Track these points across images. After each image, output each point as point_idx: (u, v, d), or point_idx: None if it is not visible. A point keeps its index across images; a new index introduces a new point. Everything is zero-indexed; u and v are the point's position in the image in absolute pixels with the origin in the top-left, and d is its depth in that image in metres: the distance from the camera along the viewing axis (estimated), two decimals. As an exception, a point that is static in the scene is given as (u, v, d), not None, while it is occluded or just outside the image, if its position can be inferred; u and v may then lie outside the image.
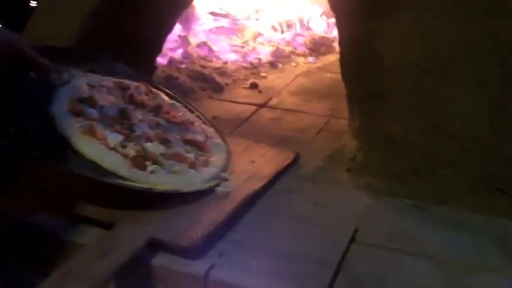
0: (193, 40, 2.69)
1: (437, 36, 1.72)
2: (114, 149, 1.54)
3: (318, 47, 2.95)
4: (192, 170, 1.60)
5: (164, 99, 1.85)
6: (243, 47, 2.78)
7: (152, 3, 2.18)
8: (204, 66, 2.53)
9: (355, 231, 1.53)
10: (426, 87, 1.73)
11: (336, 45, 3.00)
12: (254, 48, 2.75)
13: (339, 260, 1.42)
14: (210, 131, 1.83)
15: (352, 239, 1.51)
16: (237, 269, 1.40)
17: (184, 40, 2.60)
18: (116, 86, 1.78)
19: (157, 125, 1.72)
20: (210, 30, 2.79)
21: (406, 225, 1.57)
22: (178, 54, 2.56)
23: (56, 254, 1.51)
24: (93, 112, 1.64)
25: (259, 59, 2.68)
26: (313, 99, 2.38)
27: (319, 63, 2.83)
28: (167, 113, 1.79)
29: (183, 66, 2.48)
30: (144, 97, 1.79)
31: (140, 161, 1.53)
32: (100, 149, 1.53)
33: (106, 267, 1.31)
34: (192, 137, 1.73)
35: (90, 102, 1.66)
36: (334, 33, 3.11)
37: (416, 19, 1.75)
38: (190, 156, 1.65)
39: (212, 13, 2.90)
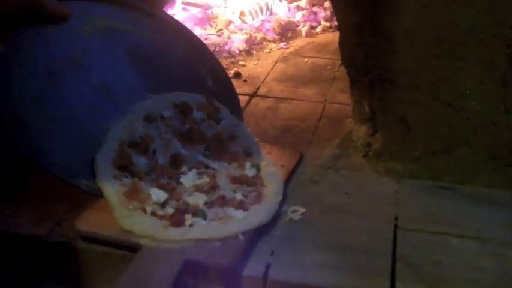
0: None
1: (446, 19, 1.74)
2: (153, 213, 1.44)
3: (285, 32, 2.93)
4: (240, 211, 1.48)
5: (228, 119, 1.76)
6: (218, 36, 2.72)
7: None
8: (186, 58, 2.44)
9: (396, 218, 1.54)
10: (437, 70, 1.74)
11: (301, 29, 3.00)
12: (229, 37, 2.69)
13: (392, 249, 1.42)
14: (266, 157, 1.72)
15: (395, 226, 1.51)
16: (293, 266, 1.39)
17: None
18: (177, 113, 1.69)
19: (207, 167, 1.62)
20: (184, 20, 2.70)
21: (440, 207, 1.60)
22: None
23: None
24: (142, 163, 1.55)
25: (237, 48, 2.62)
26: (301, 86, 2.37)
27: (291, 48, 2.81)
28: (223, 143, 1.70)
29: (165, 59, 2.38)
30: (205, 124, 1.70)
31: (178, 217, 1.44)
32: (137, 218, 1.43)
33: None
34: (240, 174, 1.62)
35: (142, 147, 1.58)
36: (297, 17, 3.11)
37: (424, 3, 1.76)
38: (238, 196, 1.53)
39: (184, 2, 2.81)
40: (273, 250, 1.42)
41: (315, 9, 3.16)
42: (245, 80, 2.42)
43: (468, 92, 1.70)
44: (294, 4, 3.16)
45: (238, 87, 2.31)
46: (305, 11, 3.11)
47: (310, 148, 1.87)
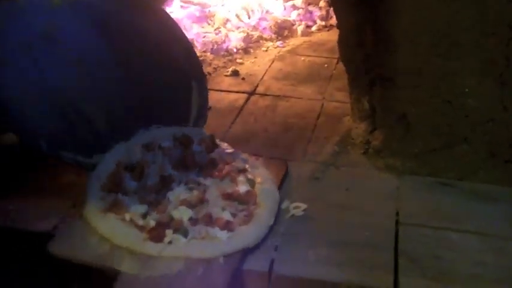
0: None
1: (445, 19, 1.76)
2: (130, 221, 1.46)
3: (281, 30, 2.94)
4: (225, 232, 1.45)
5: (223, 150, 1.76)
6: (216, 34, 2.73)
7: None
8: (184, 56, 2.45)
9: (397, 213, 1.55)
10: (437, 69, 1.76)
11: (297, 28, 3.01)
12: (227, 35, 2.70)
13: (394, 244, 1.44)
14: (263, 174, 1.69)
15: (397, 222, 1.53)
16: (298, 261, 1.40)
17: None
18: (177, 145, 1.72)
19: (199, 184, 1.61)
20: (182, 18, 2.70)
21: (440, 203, 1.62)
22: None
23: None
24: (132, 185, 1.58)
25: (235, 46, 2.63)
26: (298, 84, 2.39)
27: (288, 47, 2.82)
28: (216, 166, 1.69)
29: (164, 56, 2.39)
30: (202, 155, 1.71)
31: (158, 231, 1.43)
32: (115, 225, 1.45)
33: None
34: (232, 190, 1.60)
35: (137, 171, 1.61)
36: (293, 16, 3.12)
37: (424, 3, 1.78)
38: (226, 215, 1.50)
39: (183, 0, 2.82)
40: (277, 245, 1.43)
41: (310, 8, 3.17)
42: (243, 78, 2.43)
43: (467, 90, 1.72)
44: (290, 3, 3.17)
45: (237, 85, 2.34)
46: (301, 10, 3.13)
47: (310, 145, 1.89)
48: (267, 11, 3.06)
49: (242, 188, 1.59)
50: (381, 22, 1.79)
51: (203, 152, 1.72)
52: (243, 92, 2.30)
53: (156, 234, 1.42)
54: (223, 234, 1.43)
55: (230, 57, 2.60)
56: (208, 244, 1.41)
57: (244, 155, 1.74)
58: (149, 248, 1.39)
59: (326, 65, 2.56)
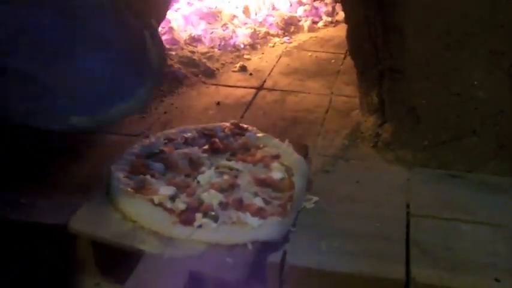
0: (175, 25, 2.61)
1: (455, 10, 1.77)
2: (160, 205, 1.45)
3: (288, 26, 2.95)
4: (255, 219, 1.43)
5: (253, 134, 1.77)
6: (223, 30, 2.74)
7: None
8: (192, 52, 2.48)
9: (408, 205, 1.56)
10: (446, 61, 1.77)
11: (303, 24, 3.02)
12: (234, 31, 2.71)
13: (406, 235, 1.45)
14: (298, 160, 1.68)
15: (408, 213, 1.54)
16: (310, 252, 1.40)
17: (168, 25, 2.54)
18: (200, 135, 1.73)
19: (230, 169, 1.61)
20: (189, 14, 2.72)
21: (450, 194, 1.63)
22: (164, 40, 2.47)
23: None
24: (158, 167, 1.59)
25: (242, 42, 2.65)
26: (306, 79, 2.39)
27: (294, 43, 2.83)
28: (249, 151, 1.69)
29: (173, 53, 2.41)
30: (230, 139, 1.72)
31: (188, 215, 1.42)
32: (142, 207, 1.44)
33: None
34: (265, 176, 1.59)
35: (160, 156, 1.62)
36: (299, 12, 3.13)
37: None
38: (258, 201, 1.49)
39: (190, -4, 2.84)
40: (289, 237, 1.43)
41: (316, 4, 3.18)
42: (251, 74, 2.45)
43: (476, 82, 1.72)
44: (296, -1, 3.18)
45: (244, 80, 2.35)
46: (307, 6, 3.13)
47: (320, 139, 1.90)
48: (273, 7, 3.06)
49: (276, 175, 1.58)
50: (389, 14, 1.80)
51: (230, 136, 1.72)
52: (251, 87, 2.31)
53: (186, 218, 1.40)
54: (254, 221, 1.41)
55: (237, 53, 2.61)
56: (238, 230, 1.40)
57: (276, 140, 1.74)
58: (178, 232, 1.38)
59: (333, 60, 2.57)
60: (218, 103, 2.13)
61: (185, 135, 1.72)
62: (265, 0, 3.02)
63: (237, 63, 2.51)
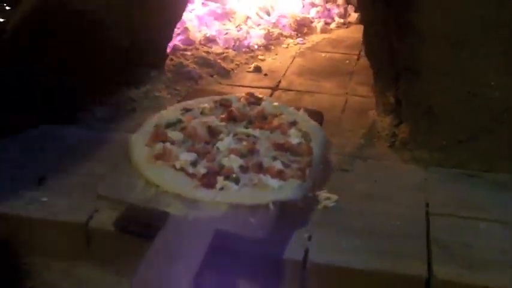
0: (190, 25, 2.64)
1: (472, 10, 1.78)
2: (181, 169, 1.49)
3: (301, 27, 2.98)
4: (275, 180, 1.48)
5: (269, 103, 1.80)
6: (237, 31, 2.76)
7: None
8: (208, 52, 2.50)
9: (427, 204, 1.58)
10: (462, 60, 1.78)
11: (316, 25, 3.04)
12: (248, 32, 2.74)
13: (426, 233, 1.47)
14: (314, 126, 1.73)
15: (427, 212, 1.55)
16: (331, 250, 1.42)
17: (183, 26, 2.56)
18: (217, 105, 1.77)
19: (248, 136, 1.64)
20: (203, 15, 2.74)
21: (467, 193, 1.65)
22: (179, 41, 2.51)
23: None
24: (176, 135, 1.62)
25: (256, 43, 2.67)
26: (320, 79, 2.42)
27: (308, 44, 2.86)
28: (266, 119, 1.73)
29: (188, 53, 2.44)
30: (246, 109, 1.75)
31: (210, 178, 1.46)
32: (164, 172, 1.49)
33: (184, 274, 1.25)
34: (283, 141, 1.62)
35: (178, 125, 1.65)
36: (312, 13, 3.15)
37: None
38: (277, 164, 1.53)
39: (204, -3, 2.87)
40: (310, 235, 1.45)
41: (328, 5, 3.20)
42: (265, 74, 2.47)
43: (493, 83, 1.74)
44: (308, 0, 3.20)
45: (259, 80, 2.38)
46: (319, 7, 3.15)
47: (337, 138, 1.91)
48: (287, 9, 3.08)
49: (294, 140, 1.61)
50: (405, 15, 1.81)
51: (246, 106, 1.75)
52: (266, 88, 2.33)
53: (208, 181, 1.44)
54: (274, 183, 1.46)
55: (252, 54, 2.63)
56: (259, 191, 1.44)
57: (291, 108, 1.78)
58: (201, 194, 1.42)
59: (347, 61, 2.59)
60: (234, 103, 2.14)
61: (202, 106, 1.75)
62: (278, 1, 3.03)
63: (252, 63, 2.54)
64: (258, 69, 2.48)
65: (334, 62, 2.61)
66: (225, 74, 2.42)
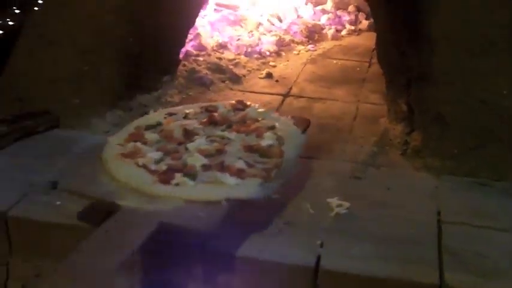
0: (202, 31, 2.65)
1: (484, 18, 1.79)
2: (144, 166, 1.51)
3: (312, 34, 2.98)
4: (233, 178, 1.48)
5: (253, 109, 1.80)
6: (249, 37, 2.77)
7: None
8: (220, 58, 2.51)
9: (439, 212, 1.58)
10: (474, 68, 1.79)
11: (327, 32, 3.04)
12: (259, 38, 2.75)
13: (438, 241, 1.46)
14: (292, 131, 1.72)
15: (439, 220, 1.55)
16: (343, 257, 1.42)
17: (195, 31, 2.58)
18: (203, 111, 1.78)
19: (223, 138, 1.65)
20: (215, 21, 2.76)
21: (480, 202, 1.64)
22: (191, 46, 2.52)
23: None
24: (152, 136, 1.64)
25: (267, 49, 2.68)
26: (331, 86, 2.42)
27: (319, 51, 2.87)
28: (245, 123, 1.73)
29: (200, 59, 2.45)
30: (230, 114, 1.76)
31: (168, 175, 1.48)
32: (127, 168, 1.52)
33: (114, 260, 1.25)
34: (254, 143, 1.62)
35: (158, 128, 1.68)
36: (323, 20, 3.15)
37: (463, 2, 1.81)
38: (239, 163, 1.53)
39: (217, 4, 2.87)
40: (322, 242, 1.45)
41: (339, 12, 3.21)
42: (277, 81, 2.48)
43: (505, 92, 1.74)
44: (320, 7, 3.21)
45: (270, 87, 2.38)
46: (330, 14, 3.16)
47: (349, 146, 1.92)
48: (298, 16, 3.09)
49: (266, 142, 1.61)
50: (419, 22, 1.82)
51: (231, 111, 1.76)
52: (278, 94, 2.34)
53: (165, 177, 1.46)
54: (231, 180, 1.46)
55: (263, 60, 2.64)
56: (214, 188, 1.45)
57: (275, 114, 1.79)
58: (157, 189, 1.44)
59: (358, 68, 2.60)
60: (246, 109, 2.15)
61: (187, 111, 1.76)
62: (291, 8, 3.04)
63: (263, 70, 2.55)
64: (269, 76, 2.49)
65: (345, 69, 2.61)
66: (237, 80, 2.43)
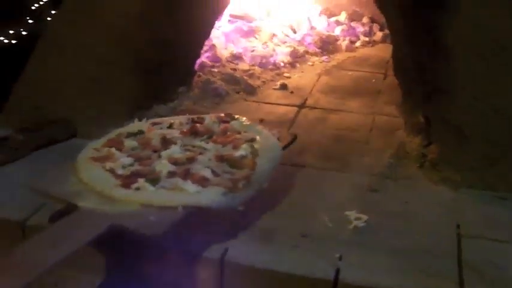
0: (217, 42, 2.66)
1: (503, 27, 1.78)
2: (111, 171, 1.51)
3: (326, 45, 2.98)
4: (195, 186, 1.44)
5: (238, 122, 1.78)
6: (264, 48, 2.78)
7: (193, 8, 2.15)
8: (234, 69, 2.52)
9: (458, 225, 1.57)
10: (493, 80, 1.78)
11: (341, 43, 3.04)
12: (274, 49, 2.75)
13: (457, 255, 1.45)
14: (271, 144, 1.69)
15: (458, 234, 1.54)
16: (363, 269, 1.41)
17: (210, 43, 2.58)
18: (189, 122, 1.77)
19: (197, 147, 1.64)
20: (229, 32, 2.76)
21: (498, 216, 1.63)
22: (206, 57, 2.53)
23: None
24: (129, 143, 1.64)
25: (282, 60, 2.68)
26: (346, 98, 2.42)
27: (333, 62, 2.86)
28: (225, 134, 1.71)
29: (215, 70, 2.45)
30: (214, 125, 1.74)
31: (131, 179, 1.47)
32: (93, 171, 1.52)
33: (52, 256, 1.25)
34: (226, 153, 1.60)
35: (139, 136, 1.67)
36: (337, 31, 3.16)
37: (482, 11, 1.80)
38: (205, 172, 1.50)
39: (232, 15, 2.88)
40: (341, 255, 1.45)
41: (353, 24, 3.21)
42: (291, 92, 2.48)
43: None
44: (333, 19, 3.21)
45: (285, 98, 2.38)
46: (344, 25, 3.16)
47: (366, 158, 1.91)
48: (311, 27, 3.09)
49: (239, 153, 1.58)
50: (436, 32, 1.82)
51: (216, 122, 1.74)
52: (293, 105, 2.33)
53: (127, 181, 1.45)
54: (192, 188, 1.44)
55: (278, 71, 2.64)
56: (172, 194, 1.43)
57: (259, 127, 1.75)
58: (117, 193, 1.44)
59: (373, 80, 2.59)
60: (261, 120, 2.14)
61: (171, 121, 1.75)
62: (305, 19, 3.04)
63: (278, 81, 2.55)
64: (284, 87, 2.49)
65: (360, 80, 2.61)
66: (251, 90, 2.43)
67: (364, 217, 1.58)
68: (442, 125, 1.83)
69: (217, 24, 2.67)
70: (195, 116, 1.80)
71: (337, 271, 1.40)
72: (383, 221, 1.58)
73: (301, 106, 2.33)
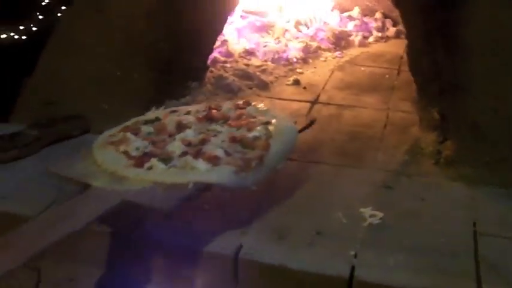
0: (229, 38, 2.64)
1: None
2: (124, 153, 1.53)
3: (339, 41, 2.96)
4: (205, 164, 1.45)
5: (253, 107, 1.78)
6: (276, 44, 2.76)
7: (205, 3, 2.14)
8: (247, 65, 2.50)
9: (474, 223, 1.55)
10: (508, 77, 1.76)
11: (354, 39, 3.02)
12: (286, 45, 2.73)
13: (474, 252, 1.44)
14: (286, 126, 1.69)
15: (475, 231, 1.52)
16: (378, 267, 1.40)
17: (222, 38, 2.57)
18: (207, 109, 1.76)
19: (210, 130, 1.64)
20: (242, 28, 2.75)
21: (515, 214, 1.61)
22: (218, 53, 2.52)
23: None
24: (145, 128, 1.65)
25: (294, 56, 2.67)
26: (360, 94, 2.40)
27: (346, 57, 2.84)
28: (239, 119, 1.71)
29: (228, 65, 2.44)
30: (230, 111, 1.74)
31: (143, 159, 1.50)
32: (107, 154, 1.55)
33: (53, 234, 1.29)
34: (238, 135, 1.60)
35: (156, 123, 1.69)
36: (350, 27, 3.13)
37: (492, 11, 1.78)
38: (218, 151, 1.50)
39: (244, 10, 2.86)
40: (356, 253, 1.43)
41: (366, 19, 3.18)
42: (304, 88, 2.46)
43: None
44: (346, 14, 3.19)
45: (298, 94, 2.37)
46: (357, 21, 3.14)
47: (380, 154, 1.89)
48: (324, 22, 3.07)
49: (252, 134, 1.58)
50: (452, 28, 1.80)
51: (232, 109, 1.74)
52: (306, 101, 2.32)
53: (140, 161, 1.48)
54: (203, 166, 1.45)
55: (290, 67, 2.62)
56: (183, 172, 1.45)
57: (275, 112, 1.75)
58: (129, 172, 1.46)
59: (387, 76, 2.57)
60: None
61: (189, 109, 1.76)
62: (318, 14, 3.02)
63: (290, 76, 2.53)
64: (297, 82, 2.48)
65: (374, 76, 2.59)
66: (264, 86, 2.41)
67: (379, 214, 1.56)
68: (458, 122, 1.81)
69: (229, 19, 2.65)
70: (212, 104, 1.80)
71: (353, 269, 1.38)
72: (398, 219, 1.57)
73: (314, 102, 2.32)
